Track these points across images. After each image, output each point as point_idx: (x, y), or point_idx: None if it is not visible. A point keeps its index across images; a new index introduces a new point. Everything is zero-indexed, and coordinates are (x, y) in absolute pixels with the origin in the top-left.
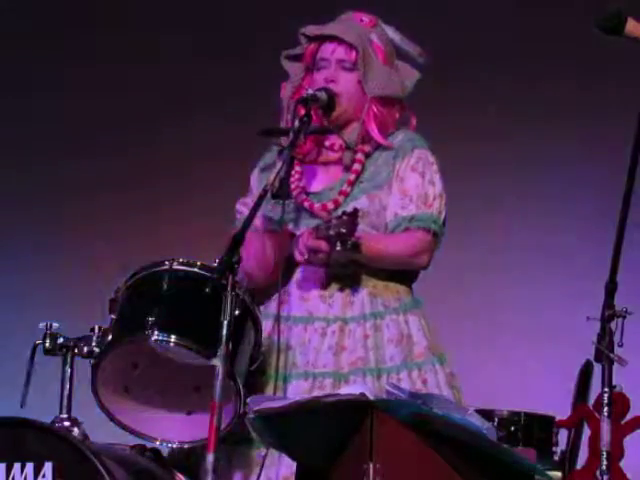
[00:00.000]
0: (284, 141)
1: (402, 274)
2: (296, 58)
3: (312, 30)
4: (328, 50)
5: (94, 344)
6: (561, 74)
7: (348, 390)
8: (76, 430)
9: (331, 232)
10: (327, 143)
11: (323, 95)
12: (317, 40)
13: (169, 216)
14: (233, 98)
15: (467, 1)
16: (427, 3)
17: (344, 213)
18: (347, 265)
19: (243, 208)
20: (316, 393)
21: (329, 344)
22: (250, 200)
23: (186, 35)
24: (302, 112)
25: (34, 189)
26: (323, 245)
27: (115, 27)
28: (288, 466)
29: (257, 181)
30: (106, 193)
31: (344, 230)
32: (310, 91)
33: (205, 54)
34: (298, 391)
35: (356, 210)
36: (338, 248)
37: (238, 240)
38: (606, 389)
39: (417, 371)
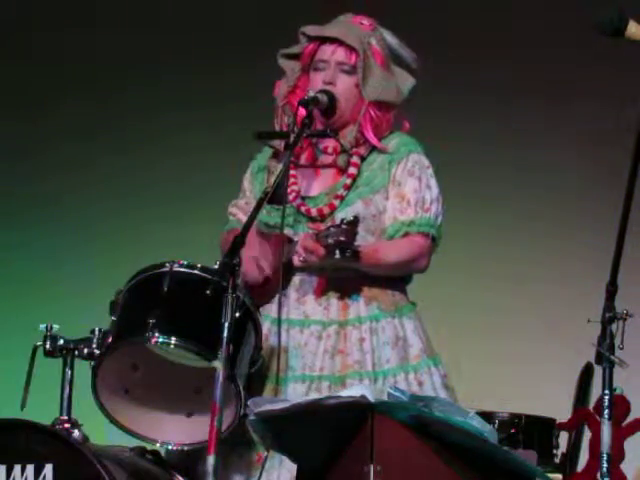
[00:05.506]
0: (278, 144)
1: (398, 278)
2: (293, 56)
3: (313, 30)
4: (328, 52)
5: (94, 346)
6: (561, 74)
7: (349, 392)
8: (76, 432)
9: (330, 240)
10: (321, 146)
11: (324, 97)
12: (317, 40)
13: (169, 218)
14: (233, 98)
15: (466, 2)
16: (425, 5)
17: (342, 222)
18: (344, 270)
19: (236, 210)
20: (313, 396)
21: (325, 347)
22: (243, 202)
23: (186, 35)
24: (303, 114)
25: (34, 190)
26: (319, 249)
27: (115, 27)
28: (288, 469)
29: (250, 183)
30: (106, 195)
31: (343, 239)
32: (311, 93)
33: (205, 54)
34: (295, 394)
35: (357, 219)
36: (337, 256)
37: (238, 242)
38: (606, 391)
39: (413, 373)
